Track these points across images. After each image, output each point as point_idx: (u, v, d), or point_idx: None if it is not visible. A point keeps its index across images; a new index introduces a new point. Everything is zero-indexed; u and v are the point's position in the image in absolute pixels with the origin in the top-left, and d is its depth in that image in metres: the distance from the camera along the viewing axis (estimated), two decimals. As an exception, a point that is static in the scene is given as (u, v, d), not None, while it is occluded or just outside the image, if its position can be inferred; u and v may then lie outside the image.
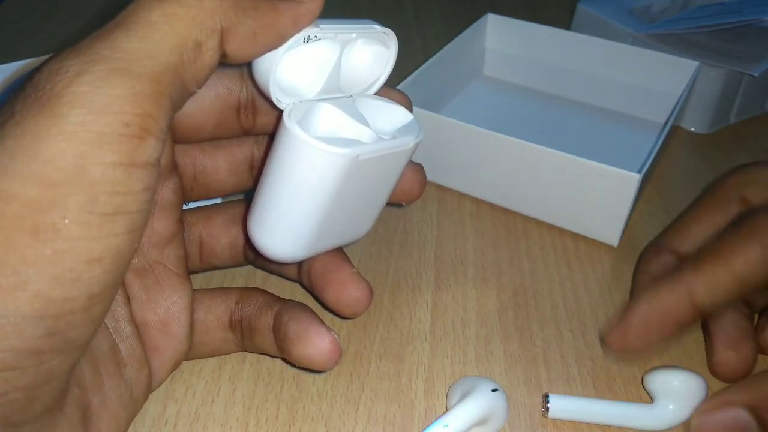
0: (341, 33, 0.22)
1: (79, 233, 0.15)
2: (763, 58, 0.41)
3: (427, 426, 0.22)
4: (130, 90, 0.16)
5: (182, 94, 0.18)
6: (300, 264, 0.27)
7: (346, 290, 0.25)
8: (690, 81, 0.39)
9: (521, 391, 0.26)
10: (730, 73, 0.41)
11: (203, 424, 0.24)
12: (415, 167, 0.26)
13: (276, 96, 0.22)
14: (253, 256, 0.28)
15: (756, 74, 0.40)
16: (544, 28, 0.44)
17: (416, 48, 0.53)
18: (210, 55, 0.18)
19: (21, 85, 0.16)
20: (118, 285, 0.18)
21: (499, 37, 0.46)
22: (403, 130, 0.24)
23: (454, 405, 0.23)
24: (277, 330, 0.24)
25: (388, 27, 0.24)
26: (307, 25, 0.21)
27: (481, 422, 0.23)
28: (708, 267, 0.22)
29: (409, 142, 0.23)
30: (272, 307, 0.24)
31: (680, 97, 0.38)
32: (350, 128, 0.23)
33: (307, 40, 0.22)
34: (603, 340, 0.25)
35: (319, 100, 0.23)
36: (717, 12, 0.46)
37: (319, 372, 0.26)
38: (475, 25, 0.45)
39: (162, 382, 0.24)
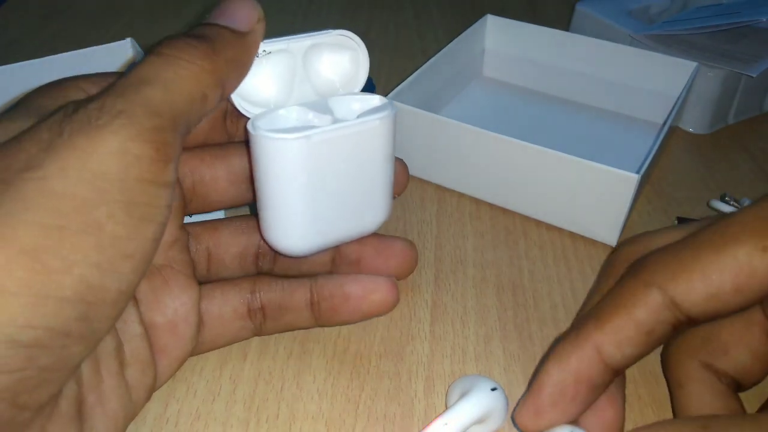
0: (292, 42, 0.25)
1: (119, 231, 0.18)
2: (761, 58, 0.41)
3: (427, 425, 0.22)
4: (158, 125, 0.19)
5: (187, 132, 0.21)
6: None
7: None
8: (688, 82, 0.39)
9: (520, 391, 0.26)
10: (729, 74, 0.41)
11: (204, 422, 0.24)
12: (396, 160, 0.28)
13: (243, 107, 0.24)
14: (269, 264, 0.28)
15: (754, 75, 0.40)
16: (543, 29, 0.45)
17: (416, 49, 0.53)
18: (212, 104, 0.21)
19: (63, 113, 0.19)
20: (134, 290, 0.20)
21: (498, 38, 0.46)
22: (373, 111, 0.25)
23: (454, 404, 0.23)
24: (324, 300, 0.26)
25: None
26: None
27: (481, 421, 0.23)
28: (610, 319, 0.20)
29: (373, 119, 0.24)
30: (304, 284, 0.26)
31: (679, 98, 0.38)
32: (313, 119, 0.25)
33: (256, 56, 0.24)
34: (514, 420, 0.21)
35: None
36: (715, 13, 0.46)
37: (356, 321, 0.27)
38: (474, 26, 0.45)
39: (165, 382, 0.24)
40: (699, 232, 0.20)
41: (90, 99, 0.19)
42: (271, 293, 0.26)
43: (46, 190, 0.17)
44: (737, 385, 0.22)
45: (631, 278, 0.20)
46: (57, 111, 0.19)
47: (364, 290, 0.26)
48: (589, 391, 0.20)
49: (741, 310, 0.19)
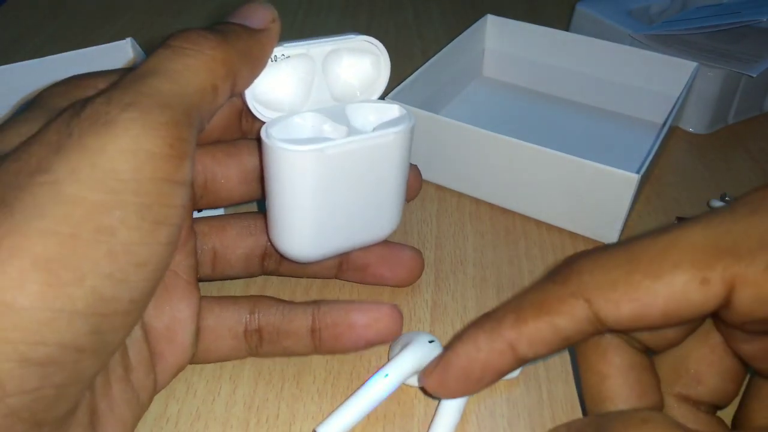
0: (313, 47, 0.24)
1: (132, 237, 0.17)
2: (761, 58, 0.41)
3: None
4: (171, 118, 0.18)
5: (201, 127, 0.20)
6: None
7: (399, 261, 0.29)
8: (688, 81, 0.39)
9: (520, 390, 0.26)
10: (729, 74, 0.41)
11: (204, 422, 0.24)
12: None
13: (258, 110, 0.24)
14: (275, 265, 0.28)
15: (754, 75, 0.40)
16: (543, 29, 0.45)
17: (416, 49, 0.53)
18: (222, 96, 0.21)
19: (71, 112, 0.18)
20: (150, 297, 0.19)
21: (498, 38, 0.46)
22: (391, 123, 0.25)
23: (394, 356, 0.25)
24: (327, 328, 0.25)
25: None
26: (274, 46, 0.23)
27: (419, 371, 0.24)
28: (530, 323, 0.19)
29: (389, 132, 0.24)
30: (305, 310, 0.25)
31: (679, 98, 0.38)
32: (328, 129, 0.24)
33: (274, 59, 0.23)
34: (420, 380, 0.22)
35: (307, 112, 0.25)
36: (715, 13, 0.46)
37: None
38: (474, 26, 0.45)
39: (164, 387, 0.24)
40: (638, 244, 0.18)
41: (97, 94, 0.18)
42: (270, 316, 0.25)
43: (57, 195, 0.16)
44: (715, 408, 0.21)
45: (559, 285, 0.19)
46: (65, 110, 0.18)
47: (369, 319, 0.25)
48: (495, 376, 0.20)
49: (659, 329, 0.19)
